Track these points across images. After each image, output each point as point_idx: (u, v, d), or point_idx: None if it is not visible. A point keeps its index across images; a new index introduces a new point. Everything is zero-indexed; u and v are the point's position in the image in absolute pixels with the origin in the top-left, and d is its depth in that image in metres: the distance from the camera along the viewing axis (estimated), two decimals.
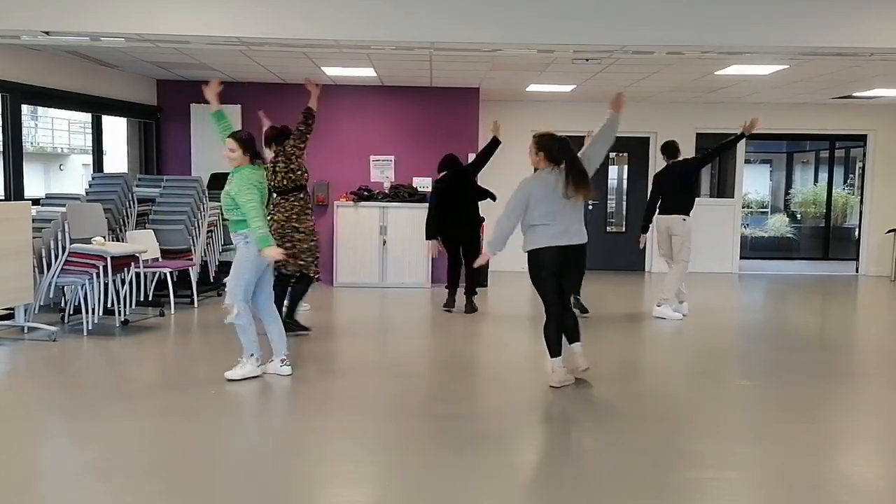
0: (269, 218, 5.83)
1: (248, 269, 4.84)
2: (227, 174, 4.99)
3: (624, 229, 11.31)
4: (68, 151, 22.42)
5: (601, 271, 10.69)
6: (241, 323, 4.86)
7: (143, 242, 7.05)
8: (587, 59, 6.97)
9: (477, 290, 7.65)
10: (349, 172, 9.37)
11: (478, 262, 5.06)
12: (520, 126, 10.65)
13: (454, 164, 7.54)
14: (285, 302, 6.01)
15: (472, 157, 8.44)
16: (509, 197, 4.76)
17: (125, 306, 6.59)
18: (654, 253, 10.88)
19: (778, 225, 14.85)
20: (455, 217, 7.45)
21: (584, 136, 6.53)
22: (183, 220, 7.58)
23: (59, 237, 6.17)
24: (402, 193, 9.24)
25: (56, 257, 6.16)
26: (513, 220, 4.72)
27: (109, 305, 6.43)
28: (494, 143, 7.41)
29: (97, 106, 8.28)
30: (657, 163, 10.74)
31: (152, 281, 7.32)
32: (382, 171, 9.58)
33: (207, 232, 7.90)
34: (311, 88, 6.09)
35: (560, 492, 3.30)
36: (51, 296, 6.32)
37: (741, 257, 11.37)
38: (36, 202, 7.15)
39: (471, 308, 7.44)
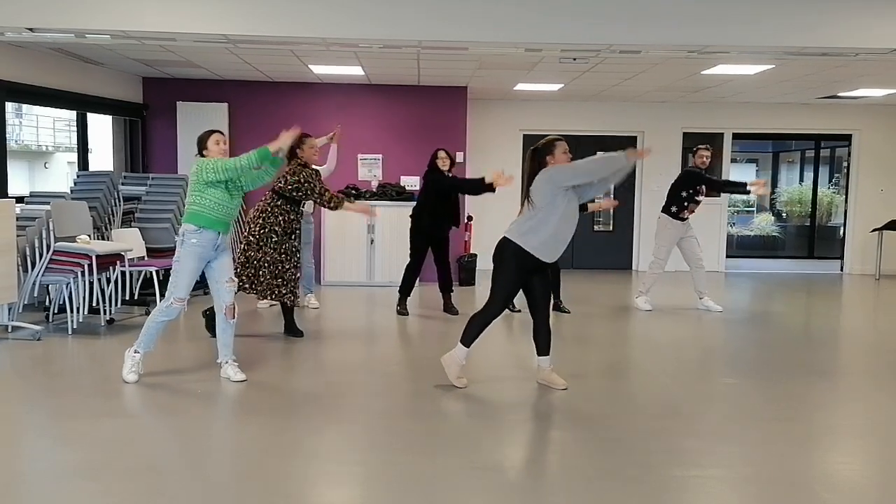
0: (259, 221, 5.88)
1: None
2: None
3: (612, 228, 11.36)
4: (53, 149, 22.23)
5: (589, 270, 10.74)
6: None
7: (128, 241, 7.01)
8: (574, 59, 6.99)
9: (453, 288, 7.50)
10: (337, 171, 9.33)
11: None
12: (508, 125, 10.71)
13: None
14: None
15: (459, 155, 8.42)
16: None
17: (110, 305, 6.56)
18: (641, 251, 10.95)
19: (764, 224, 14.96)
20: (438, 214, 7.19)
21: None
22: (169, 218, 7.54)
23: (44, 235, 6.13)
24: (389, 192, 9.23)
25: (40, 256, 6.12)
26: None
27: (94, 304, 6.39)
28: (486, 188, 6.77)
29: (82, 103, 8.23)
30: (644, 162, 10.83)
31: (138, 280, 7.29)
32: (370, 170, 9.57)
33: None
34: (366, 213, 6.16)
35: (546, 490, 3.32)
36: (35, 295, 6.29)
37: (727, 256, 11.44)
38: (20, 200, 7.11)
39: (452, 309, 7.34)
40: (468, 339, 4.74)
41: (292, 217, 5.89)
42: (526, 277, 4.66)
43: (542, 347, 4.81)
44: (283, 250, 5.86)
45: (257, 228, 5.85)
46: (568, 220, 4.56)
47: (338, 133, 7.18)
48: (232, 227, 4.97)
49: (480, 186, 6.82)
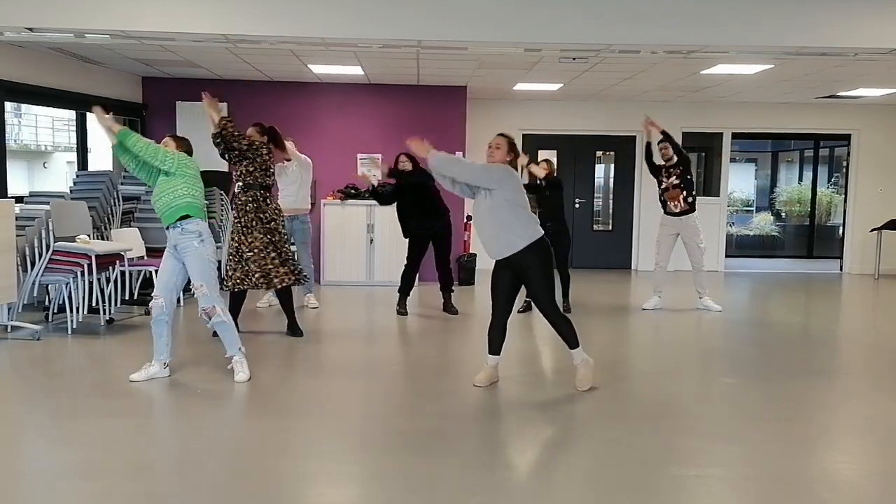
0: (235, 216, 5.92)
1: (213, 265, 4.88)
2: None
3: (611, 228, 11.37)
4: (52, 149, 22.22)
5: (588, 269, 10.73)
6: (224, 320, 4.91)
7: (128, 241, 7.01)
8: (574, 59, 6.99)
9: (453, 288, 7.50)
10: (336, 171, 9.35)
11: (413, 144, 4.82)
12: (507, 125, 10.64)
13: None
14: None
15: (458, 153, 8.42)
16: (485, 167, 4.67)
17: (110, 305, 6.56)
18: (640, 251, 10.96)
19: (763, 223, 14.97)
20: (420, 211, 7.17)
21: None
22: None
23: (43, 235, 6.13)
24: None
25: (40, 256, 6.12)
26: (465, 173, 4.66)
27: (94, 304, 6.39)
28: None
29: (82, 103, 8.22)
30: (643, 161, 10.82)
31: (137, 279, 7.28)
32: (369, 170, 9.55)
33: None
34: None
35: (546, 489, 3.32)
36: (34, 294, 6.28)
37: (726, 255, 11.45)
38: (19, 200, 7.10)
39: (451, 309, 7.34)
40: (488, 346, 4.86)
41: (242, 200, 5.83)
42: (505, 278, 4.69)
43: (568, 337, 4.79)
44: (260, 233, 5.80)
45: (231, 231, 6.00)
46: (479, 215, 4.70)
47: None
48: (189, 229, 4.77)
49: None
